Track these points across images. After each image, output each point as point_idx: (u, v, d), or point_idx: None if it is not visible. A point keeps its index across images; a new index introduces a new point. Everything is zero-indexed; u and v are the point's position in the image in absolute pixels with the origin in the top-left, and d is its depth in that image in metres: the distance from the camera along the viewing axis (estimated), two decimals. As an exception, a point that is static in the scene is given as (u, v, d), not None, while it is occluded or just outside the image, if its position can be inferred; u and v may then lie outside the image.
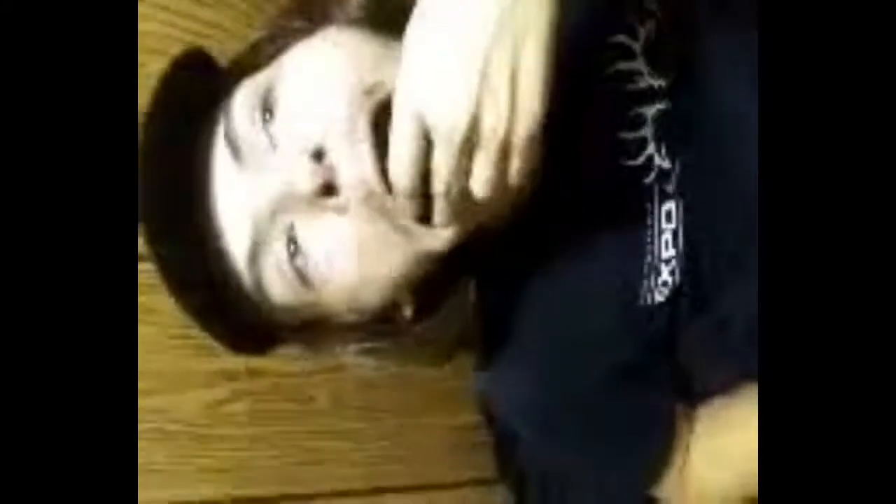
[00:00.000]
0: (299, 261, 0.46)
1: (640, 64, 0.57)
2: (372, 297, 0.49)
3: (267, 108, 0.46)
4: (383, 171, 0.43)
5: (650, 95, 0.57)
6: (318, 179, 0.43)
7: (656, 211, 0.57)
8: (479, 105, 0.42)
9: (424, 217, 0.45)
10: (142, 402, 0.55)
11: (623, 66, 0.57)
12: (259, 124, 0.46)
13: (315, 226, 0.46)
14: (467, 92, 0.42)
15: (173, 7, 0.57)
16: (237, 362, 0.61)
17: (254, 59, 0.52)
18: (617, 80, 0.57)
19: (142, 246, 0.47)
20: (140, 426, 0.55)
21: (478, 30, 0.42)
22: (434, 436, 0.75)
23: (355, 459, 0.69)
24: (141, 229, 0.45)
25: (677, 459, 0.59)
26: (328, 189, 0.44)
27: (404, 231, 0.46)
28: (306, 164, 0.44)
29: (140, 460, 0.53)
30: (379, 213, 0.45)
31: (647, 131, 0.56)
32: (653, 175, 0.56)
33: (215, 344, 0.58)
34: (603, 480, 0.65)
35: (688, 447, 0.59)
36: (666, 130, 0.56)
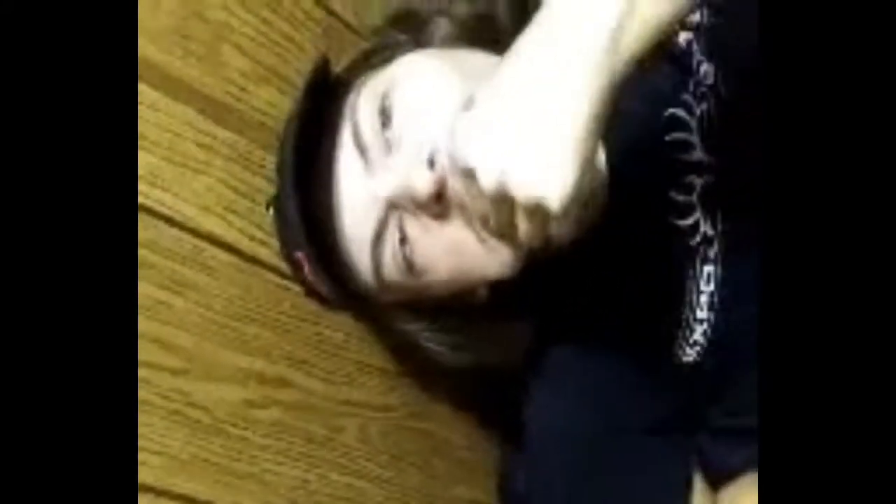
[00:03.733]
0: (407, 249, 0.54)
1: (694, 137, 0.63)
2: (458, 286, 0.57)
3: (384, 114, 0.54)
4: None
5: (701, 167, 0.61)
6: (433, 187, 0.51)
7: (698, 271, 0.61)
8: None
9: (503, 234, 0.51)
10: (170, 381, 0.52)
11: (679, 136, 0.62)
12: (378, 129, 0.54)
13: (419, 224, 0.54)
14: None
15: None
16: (271, 367, 0.58)
17: (366, 66, 0.61)
18: (673, 147, 0.62)
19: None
20: (163, 402, 0.52)
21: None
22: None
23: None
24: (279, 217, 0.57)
25: None
26: (438, 196, 0.51)
27: (486, 243, 0.53)
28: (424, 172, 0.51)
29: (155, 438, 0.50)
30: (470, 222, 0.52)
31: (696, 198, 0.62)
32: (698, 238, 0.62)
33: (255, 341, 0.57)
34: None
35: None
36: (711, 201, 0.62)
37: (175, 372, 0.52)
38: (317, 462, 0.60)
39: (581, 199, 0.45)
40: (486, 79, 0.46)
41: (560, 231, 0.47)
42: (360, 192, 0.55)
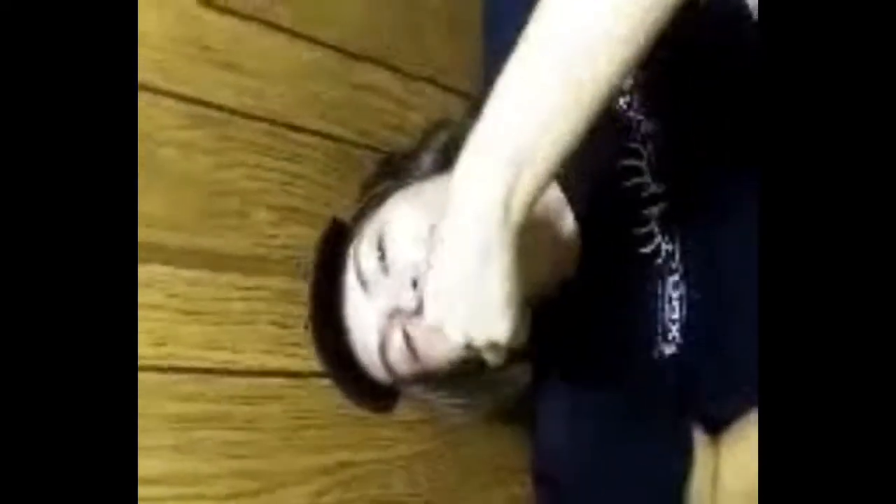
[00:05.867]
0: (411, 344, 0.66)
1: (646, 178, 0.74)
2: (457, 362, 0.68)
3: (381, 250, 0.66)
4: None
5: (655, 198, 0.73)
6: (417, 303, 0.62)
7: (666, 282, 0.74)
8: None
9: None
10: (246, 501, 0.64)
11: (634, 181, 0.75)
12: (376, 262, 0.66)
13: (417, 324, 0.65)
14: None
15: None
16: (330, 457, 0.70)
17: (365, 213, 0.71)
18: (631, 191, 0.74)
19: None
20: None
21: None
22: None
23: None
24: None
25: (704, 486, 0.74)
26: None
27: None
28: (409, 292, 0.63)
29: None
30: None
31: (654, 226, 0.74)
32: (661, 258, 0.74)
33: (315, 440, 0.68)
34: None
35: (716, 471, 0.74)
36: (668, 221, 0.73)
37: (255, 493, 0.65)
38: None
39: (526, 321, 0.57)
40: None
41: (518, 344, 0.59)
42: (363, 311, 0.67)
